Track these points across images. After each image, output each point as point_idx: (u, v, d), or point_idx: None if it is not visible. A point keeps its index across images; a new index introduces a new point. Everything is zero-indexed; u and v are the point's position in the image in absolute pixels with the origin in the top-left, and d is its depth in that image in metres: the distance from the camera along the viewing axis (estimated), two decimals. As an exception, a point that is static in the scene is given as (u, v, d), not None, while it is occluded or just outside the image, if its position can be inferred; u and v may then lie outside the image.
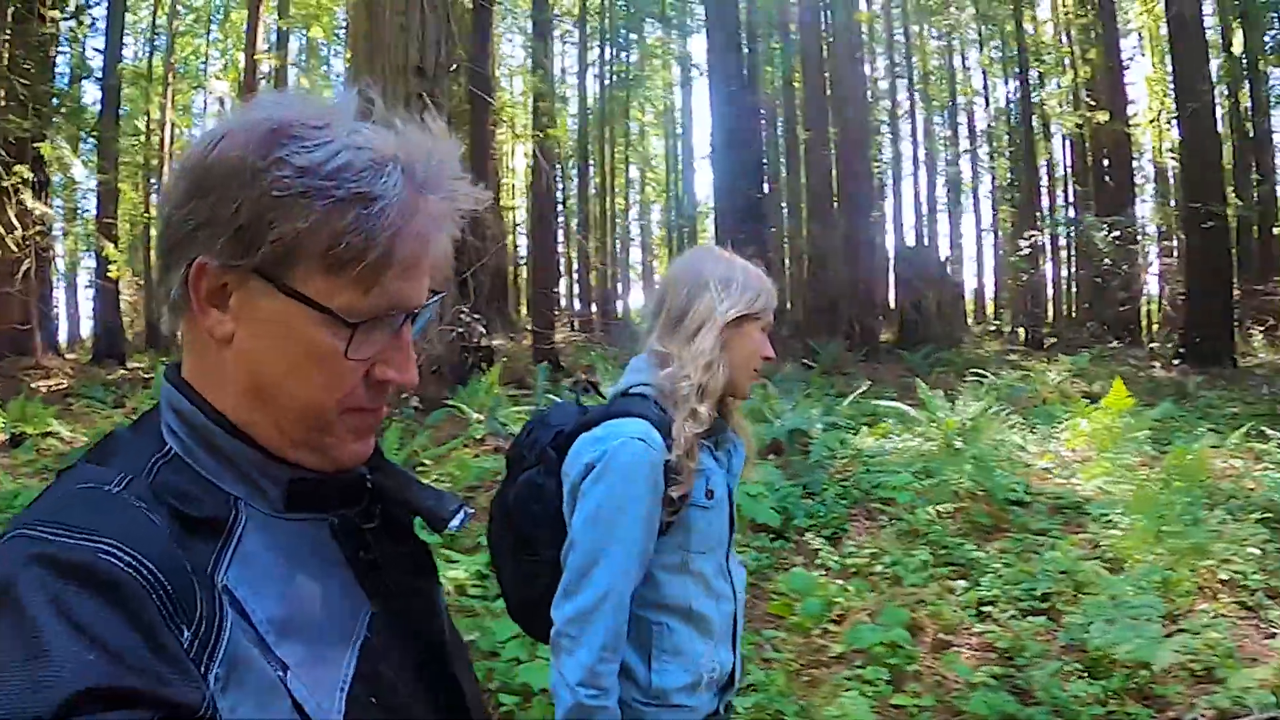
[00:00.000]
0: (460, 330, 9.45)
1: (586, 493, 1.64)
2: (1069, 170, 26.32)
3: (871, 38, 28.50)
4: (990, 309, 30.14)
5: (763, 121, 21.02)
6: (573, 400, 1.86)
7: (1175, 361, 14.64)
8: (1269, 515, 5.78)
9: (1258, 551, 4.89)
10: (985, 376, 10.94)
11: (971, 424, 7.21)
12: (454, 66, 11.13)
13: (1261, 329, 18.26)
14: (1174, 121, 17.33)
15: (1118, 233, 17.29)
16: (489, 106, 13.45)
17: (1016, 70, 21.60)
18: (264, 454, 0.79)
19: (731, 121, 15.99)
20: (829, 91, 19.26)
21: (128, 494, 0.71)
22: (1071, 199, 25.28)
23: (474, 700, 0.93)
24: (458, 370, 9.49)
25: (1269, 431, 7.52)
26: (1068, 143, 25.48)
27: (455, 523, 0.88)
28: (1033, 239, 20.36)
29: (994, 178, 28.63)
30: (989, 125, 28.62)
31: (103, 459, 0.77)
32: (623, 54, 29.73)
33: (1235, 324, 15.07)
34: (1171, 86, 17.54)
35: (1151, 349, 15.79)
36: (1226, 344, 14.53)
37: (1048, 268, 23.65)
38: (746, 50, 19.15)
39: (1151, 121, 23.83)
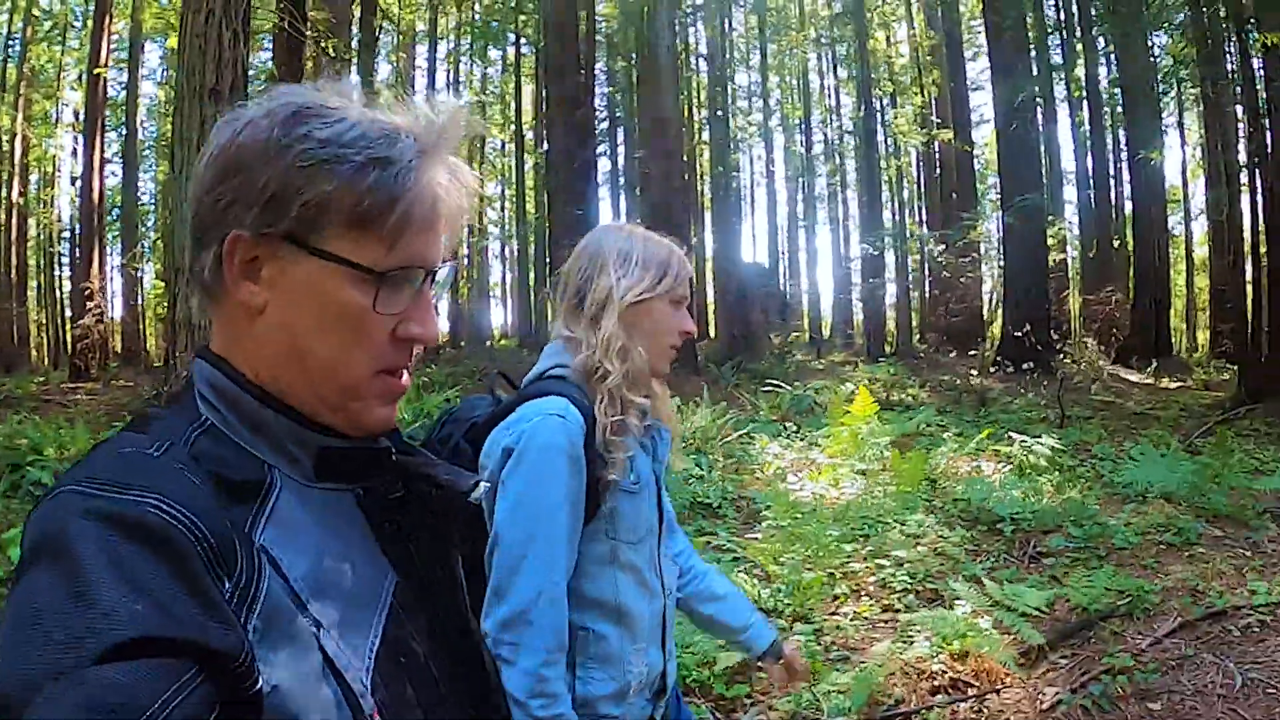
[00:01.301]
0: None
1: (506, 480, 1.52)
2: (921, 186, 27.41)
3: (732, 56, 29.27)
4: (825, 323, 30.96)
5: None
6: (484, 393, 1.77)
7: (992, 369, 15.22)
8: (965, 517, 6.12)
9: (904, 554, 5.09)
10: (781, 387, 11.24)
11: (699, 431, 7.39)
12: (264, 90, 10.92)
13: (1095, 337, 19.36)
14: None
15: (943, 245, 17.97)
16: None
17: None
18: (296, 423, 0.82)
19: (560, 141, 16.12)
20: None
21: (168, 458, 0.74)
22: (925, 215, 26.32)
23: (493, 670, 1.00)
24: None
25: (1014, 435, 7.90)
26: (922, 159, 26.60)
27: (477, 494, 0.92)
28: (864, 252, 21.07)
29: (840, 194, 29.52)
30: (833, 141, 29.54)
31: (141, 430, 0.79)
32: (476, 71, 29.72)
33: (1053, 331, 15.77)
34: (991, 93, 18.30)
35: (971, 355, 16.42)
36: (1044, 351, 15.17)
37: (891, 281, 24.45)
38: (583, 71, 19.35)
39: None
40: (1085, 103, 22.42)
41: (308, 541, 0.79)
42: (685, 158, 29.44)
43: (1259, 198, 11.70)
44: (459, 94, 29.29)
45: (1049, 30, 20.17)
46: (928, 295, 24.44)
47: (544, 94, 19.80)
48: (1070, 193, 25.01)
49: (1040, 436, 7.60)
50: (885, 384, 12.78)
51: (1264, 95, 11.22)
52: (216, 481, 0.75)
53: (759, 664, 1.92)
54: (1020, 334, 14.20)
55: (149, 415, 0.82)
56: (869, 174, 20.68)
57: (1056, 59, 20.00)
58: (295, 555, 0.77)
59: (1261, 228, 11.70)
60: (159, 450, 0.74)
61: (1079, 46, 21.03)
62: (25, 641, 0.59)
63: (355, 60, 15.95)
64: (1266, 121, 11.36)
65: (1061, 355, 14.28)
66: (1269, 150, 11.60)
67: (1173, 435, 9.34)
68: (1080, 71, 21.76)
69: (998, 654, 3.71)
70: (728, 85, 26.95)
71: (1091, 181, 22.83)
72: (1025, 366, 12.40)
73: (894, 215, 29.28)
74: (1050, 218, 20.74)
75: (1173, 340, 20.40)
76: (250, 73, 10.02)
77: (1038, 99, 17.09)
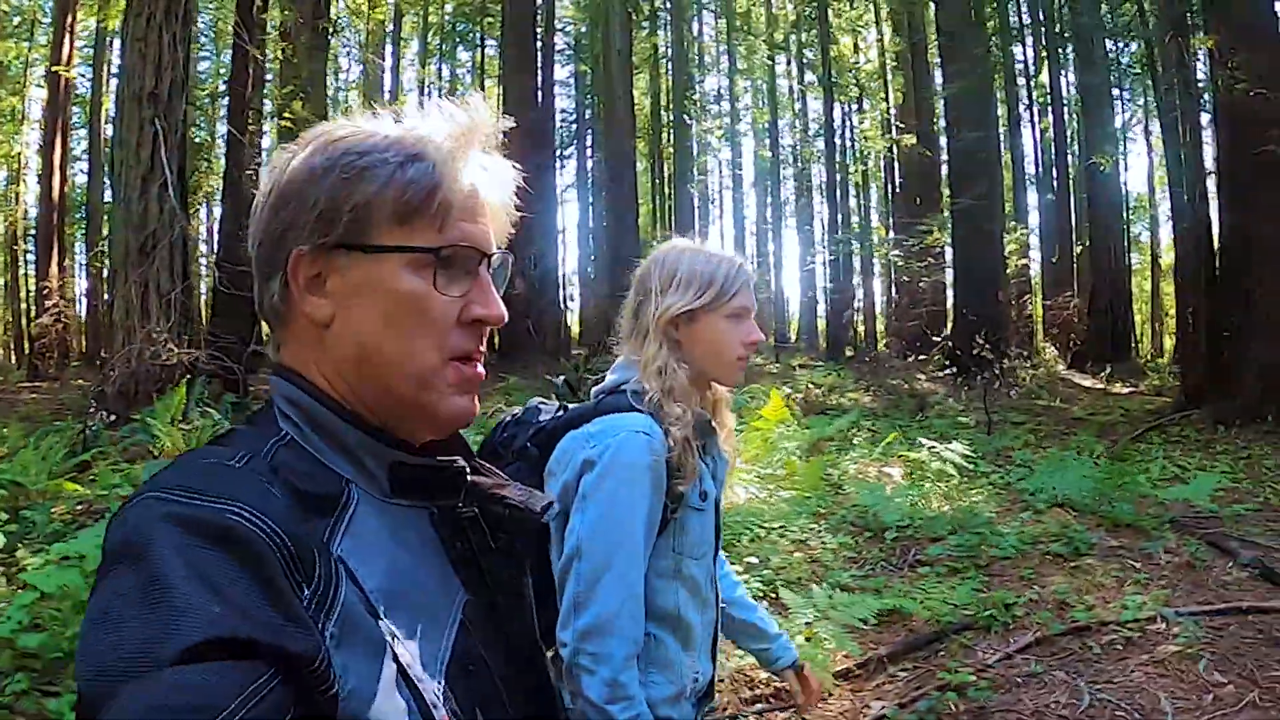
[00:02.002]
0: (153, 349, 9.08)
1: (589, 493, 1.54)
2: (889, 191, 27.35)
3: (701, 59, 29.17)
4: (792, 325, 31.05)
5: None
6: (548, 400, 1.80)
7: (940, 373, 15.14)
8: (856, 524, 5.95)
9: (774, 560, 4.93)
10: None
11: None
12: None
13: (1052, 341, 19.36)
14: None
15: (899, 250, 17.87)
16: (240, 142, 13.21)
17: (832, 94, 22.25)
18: (370, 435, 0.84)
19: (515, 144, 15.88)
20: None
21: (249, 469, 0.75)
22: (893, 219, 26.21)
23: (558, 692, 1.02)
24: (149, 388, 9.11)
25: (924, 441, 7.75)
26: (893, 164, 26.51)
27: (550, 515, 0.94)
28: (827, 255, 21.01)
29: (808, 198, 29.45)
30: (796, 146, 29.51)
31: (224, 444, 0.81)
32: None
33: (1004, 335, 15.70)
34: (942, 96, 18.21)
35: (920, 359, 16.32)
36: (992, 355, 15.10)
37: (859, 285, 24.41)
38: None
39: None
40: (1050, 109, 22.44)
41: (382, 555, 0.80)
42: (654, 160, 29.59)
43: (1204, 204, 11.58)
44: (427, 96, 29.07)
45: (1011, 36, 20.10)
46: (893, 299, 24.39)
47: (500, 94, 19.62)
48: (1035, 198, 24.96)
49: (953, 442, 7.45)
50: (827, 388, 12.63)
51: (1206, 98, 11.15)
52: (296, 493, 0.76)
53: (778, 676, 2.02)
54: (967, 338, 14.13)
55: (234, 431, 0.85)
56: (831, 178, 20.60)
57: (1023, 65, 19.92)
58: (371, 567, 0.78)
59: (1206, 234, 11.58)
60: (240, 461, 0.76)
61: (1043, 53, 21.11)
62: (105, 642, 0.60)
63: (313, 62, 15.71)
64: (1209, 126, 11.30)
65: (1010, 359, 14.22)
66: (1215, 156, 11.55)
67: (1101, 441, 9.22)
68: (1045, 78, 21.83)
69: (822, 665, 3.54)
70: (694, 88, 26.89)
71: (1054, 187, 22.86)
72: (972, 370, 12.31)
73: (861, 219, 29.21)
74: (1014, 224, 20.85)
75: (1134, 345, 20.35)
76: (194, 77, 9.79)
77: (999, 104, 16.99)
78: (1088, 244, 20.90)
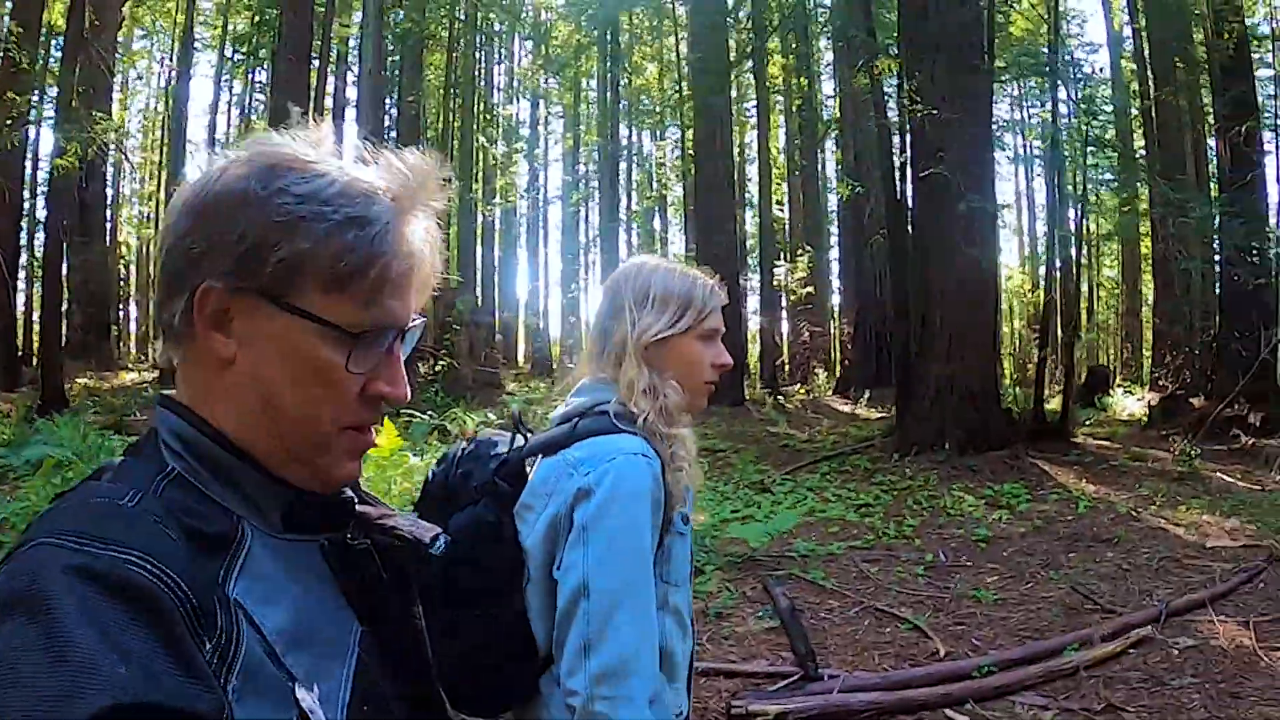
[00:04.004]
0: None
1: (591, 524, 1.42)
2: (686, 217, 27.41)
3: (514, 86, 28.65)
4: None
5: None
6: (496, 432, 1.72)
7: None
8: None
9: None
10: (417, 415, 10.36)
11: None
12: None
13: (824, 367, 19.67)
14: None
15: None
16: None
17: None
18: (263, 474, 0.83)
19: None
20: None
21: (143, 509, 0.72)
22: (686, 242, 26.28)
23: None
24: None
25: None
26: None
27: (437, 547, 0.95)
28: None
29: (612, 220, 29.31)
30: (590, 170, 29.35)
31: (104, 479, 0.78)
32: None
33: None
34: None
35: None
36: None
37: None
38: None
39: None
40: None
41: (278, 593, 0.78)
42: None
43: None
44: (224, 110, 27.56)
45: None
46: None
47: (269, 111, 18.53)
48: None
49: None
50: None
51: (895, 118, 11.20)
52: (189, 533, 0.73)
53: None
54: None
55: (113, 465, 0.81)
56: (611, 202, 20.33)
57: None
58: (267, 608, 0.76)
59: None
60: (132, 500, 0.73)
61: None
62: (6, 696, 0.57)
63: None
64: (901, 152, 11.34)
65: (781, 384, 14.20)
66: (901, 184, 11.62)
67: (765, 469, 8.93)
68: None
69: None
70: (494, 112, 26.40)
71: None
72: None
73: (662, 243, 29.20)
74: (805, 248, 21.09)
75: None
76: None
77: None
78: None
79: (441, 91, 24.80)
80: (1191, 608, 5.77)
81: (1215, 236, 11.83)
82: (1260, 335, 11.12)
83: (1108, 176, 13.52)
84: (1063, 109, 11.59)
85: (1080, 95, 11.33)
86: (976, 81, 9.73)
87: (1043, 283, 18.47)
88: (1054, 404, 17.66)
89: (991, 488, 8.45)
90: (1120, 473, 9.60)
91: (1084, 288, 28.68)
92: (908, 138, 11.08)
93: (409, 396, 0.87)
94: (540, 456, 1.57)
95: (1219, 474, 9.84)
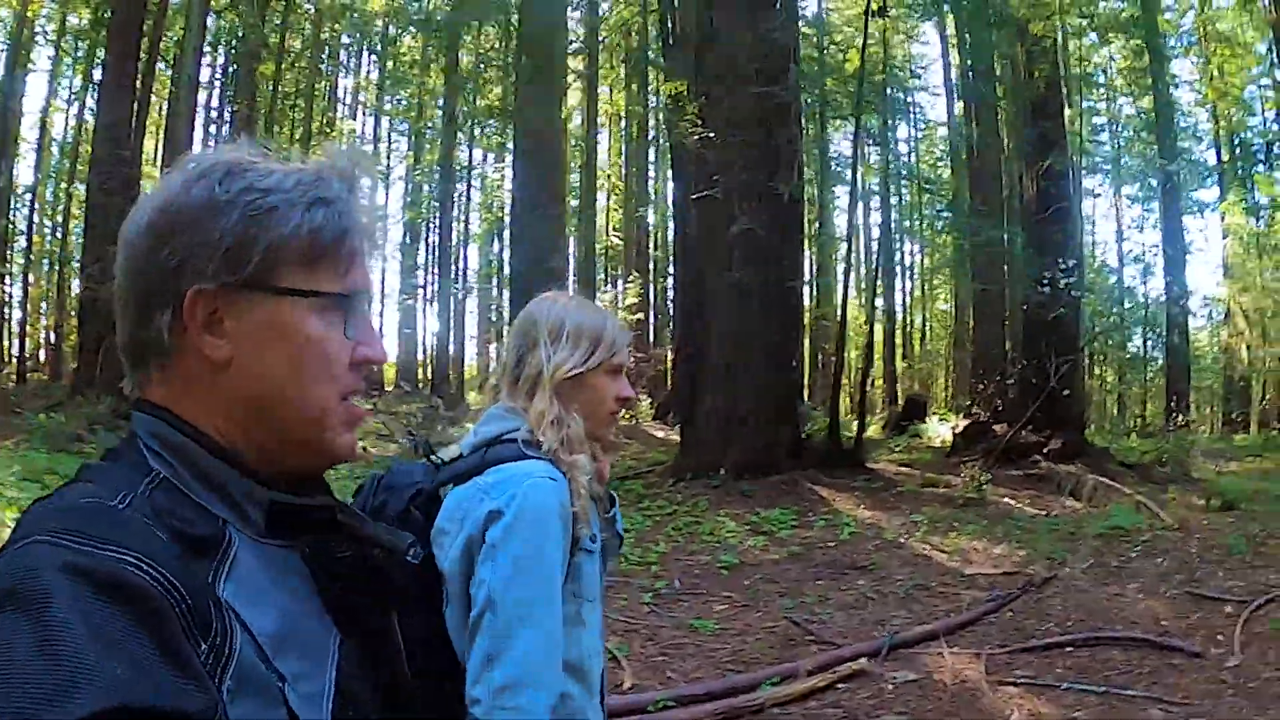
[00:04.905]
0: None
1: (499, 543, 1.49)
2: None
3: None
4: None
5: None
6: (410, 459, 1.83)
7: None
8: None
9: None
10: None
11: None
12: None
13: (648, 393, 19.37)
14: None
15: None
16: None
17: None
18: (248, 477, 0.83)
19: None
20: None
21: (133, 510, 0.73)
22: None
23: None
24: None
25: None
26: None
27: (414, 555, 0.96)
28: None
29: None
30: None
31: (89, 483, 0.77)
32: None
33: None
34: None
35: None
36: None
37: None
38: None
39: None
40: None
41: (265, 597, 0.78)
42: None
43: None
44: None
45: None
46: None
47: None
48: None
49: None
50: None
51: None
52: (178, 536, 0.73)
53: None
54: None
55: (96, 469, 0.81)
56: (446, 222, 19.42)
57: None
58: (255, 610, 0.76)
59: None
60: (122, 502, 0.73)
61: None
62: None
63: None
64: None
65: None
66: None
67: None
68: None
69: None
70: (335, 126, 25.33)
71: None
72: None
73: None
74: (635, 274, 20.87)
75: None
76: None
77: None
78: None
79: (280, 101, 23.64)
80: (924, 639, 5.36)
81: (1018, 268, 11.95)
82: (1051, 364, 11.11)
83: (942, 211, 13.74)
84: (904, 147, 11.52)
85: (921, 134, 11.31)
86: (765, 109, 9.36)
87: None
88: (871, 430, 17.87)
89: (759, 514, 8.03)
90: (906, 498, 9.35)
91: (918, 320, 29.66)
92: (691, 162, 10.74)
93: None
94: (452, 484, 1.62)
95: (1007, 499, 9.72)
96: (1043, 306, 11.53)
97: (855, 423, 11.52)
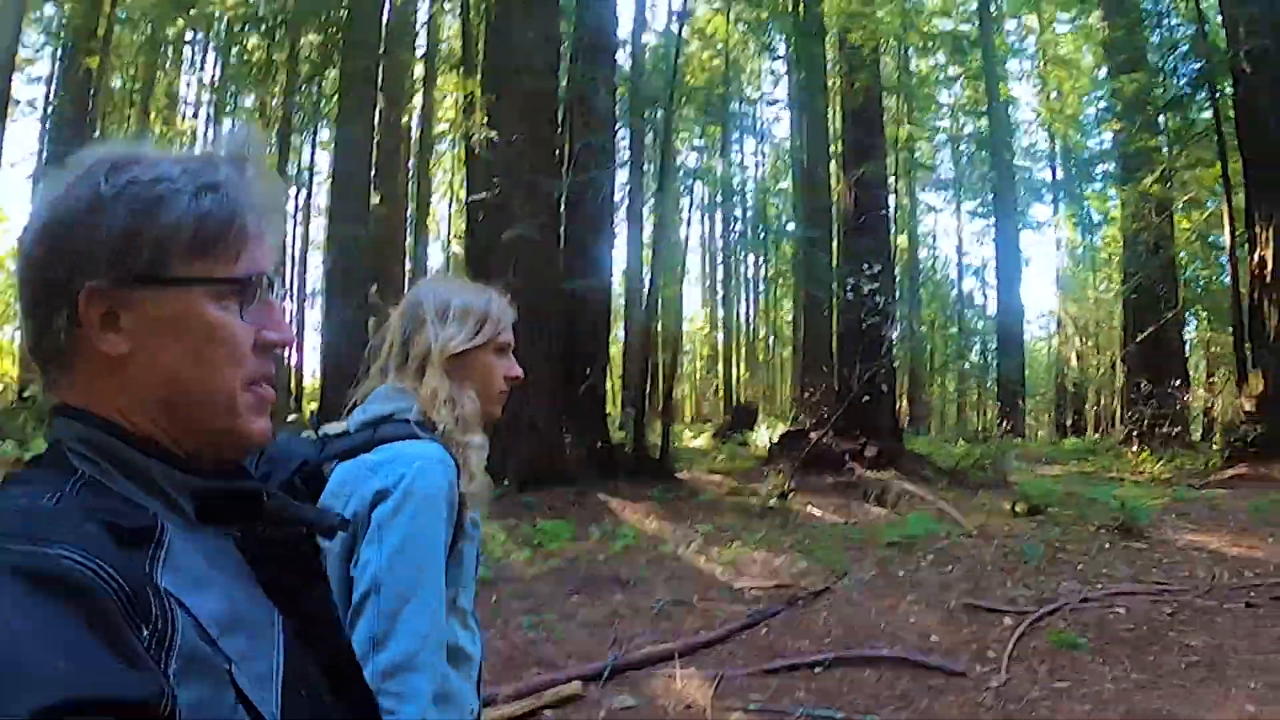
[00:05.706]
0: None
1: (385, 523, 1.47)
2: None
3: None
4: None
5: None
6: (297, 434, 1.75)
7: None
8: None
9: None
10: None
11: None
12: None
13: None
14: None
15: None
16: None
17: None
18: (173, 466, 0.82)
19: None
20: None
21: (65, 507, 0.72)
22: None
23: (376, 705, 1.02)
24: None
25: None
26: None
27: (344, 528, 1.05)
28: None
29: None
30: None
31: (21, 486, 0.77)
32: None
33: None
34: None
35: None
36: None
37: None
38: None
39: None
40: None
41: (205, 582, 0.77)
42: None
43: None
44: None
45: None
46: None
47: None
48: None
49: None
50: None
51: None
52: (112, 529, 0.72)
53: None
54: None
55: (22, 475, 0.80)
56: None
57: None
58: (198, 597, 0.75)
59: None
60: (52, 500, 0.73)
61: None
62: None
63: None
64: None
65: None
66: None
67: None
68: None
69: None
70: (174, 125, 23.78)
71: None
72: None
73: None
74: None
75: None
76: None
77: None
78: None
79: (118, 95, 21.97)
80: (659, 659, 4.93)
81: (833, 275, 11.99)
82: (856, 371, 11.12)
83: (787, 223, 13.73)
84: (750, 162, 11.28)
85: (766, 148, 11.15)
86: (540, 107, 8.98)
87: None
88: (702, 440, 17.72)
89: (535, 525, 7.51)
90: (704, 508, 9.06)
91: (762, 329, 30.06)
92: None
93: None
94: (337, 461, 1.58)
95: (810, 507, 9.53)
96: (851, 314, 11.58)
97: (636, 432, 11.11)
